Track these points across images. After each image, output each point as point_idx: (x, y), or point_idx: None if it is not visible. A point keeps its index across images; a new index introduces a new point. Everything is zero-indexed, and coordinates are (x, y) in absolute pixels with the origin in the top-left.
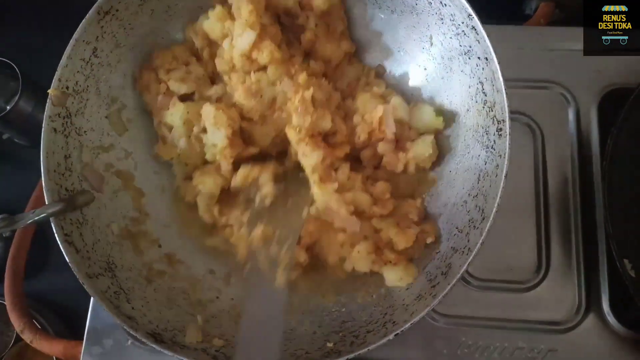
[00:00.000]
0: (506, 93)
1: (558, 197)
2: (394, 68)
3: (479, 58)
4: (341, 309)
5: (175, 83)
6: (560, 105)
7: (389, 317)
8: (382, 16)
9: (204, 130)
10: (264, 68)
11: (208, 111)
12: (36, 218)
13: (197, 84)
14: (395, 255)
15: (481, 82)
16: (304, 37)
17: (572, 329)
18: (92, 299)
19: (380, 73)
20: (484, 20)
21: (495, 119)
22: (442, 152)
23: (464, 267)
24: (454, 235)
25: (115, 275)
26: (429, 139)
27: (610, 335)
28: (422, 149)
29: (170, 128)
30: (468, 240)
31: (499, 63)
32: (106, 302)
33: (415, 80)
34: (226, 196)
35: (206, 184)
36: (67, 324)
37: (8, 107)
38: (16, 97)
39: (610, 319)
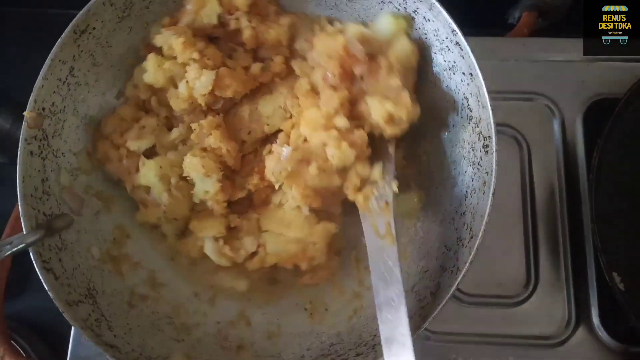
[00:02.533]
0: (492, 109)
1: (545, 210)
2: None
3: (463, 74)
4: (329, 330)
5: (134, 142)
6: (545, 117)
7: (378, 340)
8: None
9: (183, 179)
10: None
11: (194, 162)
12: (14, 249)
13: (155, 135)
14: None
15: (466, 98)
16: (245, 38)
17: (563, 343)
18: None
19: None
20: (467, 31)
21: (481, 135)
22: (428, 168)
23: (454, 287)
24: (443, 253)
25: (96, 301)
26: (403, 38)
27: (601, 348)
28: (401, 47)
29: (147, 189)
30: (457, 259)
31: (483, 77)
32: (87, 330)
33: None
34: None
35: (210, 229)
36: (50, 345)
37: None
38: None
39: (601, 332)
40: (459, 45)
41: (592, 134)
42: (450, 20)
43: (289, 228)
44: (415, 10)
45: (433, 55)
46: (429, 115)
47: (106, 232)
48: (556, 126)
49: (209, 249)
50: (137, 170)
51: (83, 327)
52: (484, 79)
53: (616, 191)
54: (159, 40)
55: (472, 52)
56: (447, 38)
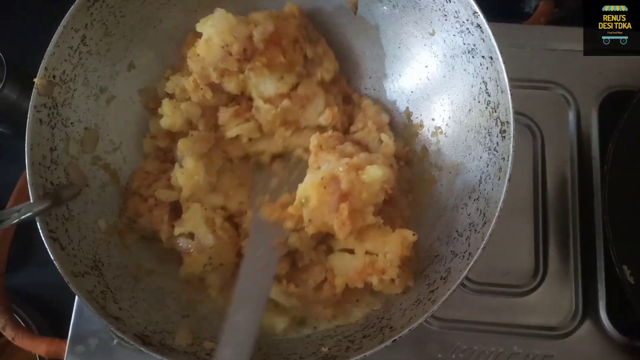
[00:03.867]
0: (511, 94)
1: (557, 200)
2: (394, 65)
3: (483, 57)
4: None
5: (163, 192)
6: (560, 107)
7: (386, 322)
8: (385, 9)
9: (227, 220)
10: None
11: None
12: (22, 217)
13: None
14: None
15: (485, 82)
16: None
17: (569, 335)
18: (77, 297)
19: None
20: (485, 17)
21: (498, 120)
22: (441, 151)
23: (465, 273)
24: (454, 239)
25: (102, 273)
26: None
27: (607, 341)
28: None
29: (191, 235)
30: (469, 245)
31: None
32: (92, 302)
33: (416, 78)
34: None
35: None
36: (51, 320)
37: None
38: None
39: (607, 325)
40: (480, 27)
41: (607, 126)
42: (472, 2)
43: (360, 241)
44: None
45: (453, 37)
46: (446, 100)
47: (113, 205)
48: (571, 117)
49: (275, 293)
50: (170, 219)
51: (88, 298)
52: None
53: (630, 184)
54: (169, 86)
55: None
56: (467, 20)
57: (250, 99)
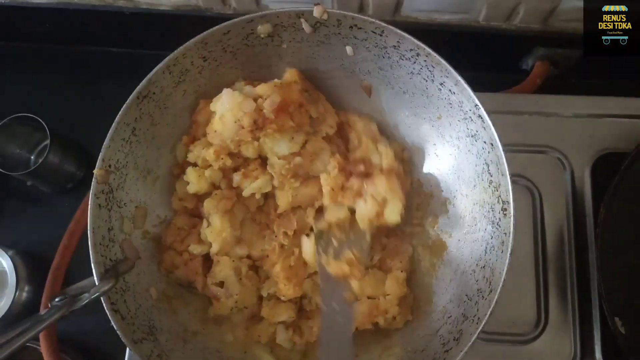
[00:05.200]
0: (510, 178)
1: (555, 256)
2: (404, 140)
3: (484, 142)
4: None
5: (196, 247)
6: (557, 169)
7: None
8: (395, 93)
9: (252, 269)
10: None
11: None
12: (93, 297)
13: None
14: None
15: (487, 164)
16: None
17: None
18: (127, 349)
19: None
20: (485, 86)
21: (500, 199)
22: (450, 220)
23: (475, 336)
24: (464, 302)
25: (156, 338)
26: None
27: None
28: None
29: (221, 284)
30: (477, 310)
31: (500, 131)
32: None
33: (425, 154)
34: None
35: (283, 314)
36: None
37: (39, 160)
38: (45, 152)
39: None
40: (481, 118)
41: (600, 185)
42: (474, 96)
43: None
44: (442, 83)
45: (457, 122)
46: (453, 175)
47: (161, 273)
48: (567, 177)
49: (281, 337)
50: (203, 270)
51: None
52: (500, 133)
53: (619, 244)
54: (191, 157)
55: (490, 116)
56: (470, 110)
57: (265, 159)
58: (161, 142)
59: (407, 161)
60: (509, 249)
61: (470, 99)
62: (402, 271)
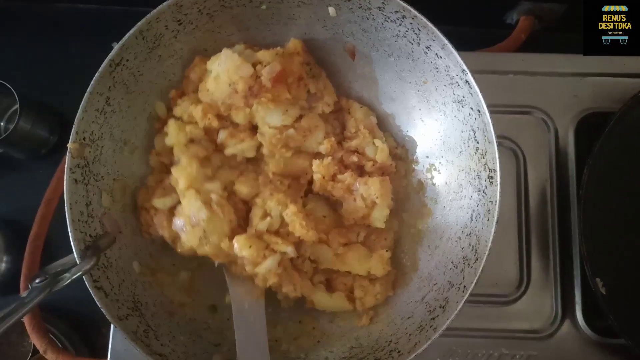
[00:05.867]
0: (497, 143)
1: (538, 217)
2: (390, 106)
3: (471, 108)
4: (349, 334)
5: (160, 200)
6: (541, 130)
7: (394, 346)
8: (380, 56)
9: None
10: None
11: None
12: (74, 276)
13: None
14: None
15: (473, 130)
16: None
17: (550, 337)
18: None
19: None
20: (470, 45)
21: (486, 166)
22: (436, 187)
23: (461, 304)
24: (450, 269)
25: (142, 313)
26: None
27: (583, 341)
28: None
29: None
30: (463, 278)
31: (484, 91)
32: (138, 342)
33: (410, 119)
34: None
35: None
36: (85, 337)
37: (10, 127)
38: (15, 117)
39: (583, 326)
40: (468, 83)
41: (583, 146)
42: (461, 61)
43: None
44: (428, 47)
45: (443, 87)
46: (439, 141)
47: (144, 246)
48: (550, 138)
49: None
50: (169, 223)
51: (134, 339)
52: (484, 95)
53: (602, 206)
54: (178, 111)
55: (474, 76)
56: (457, 75)
57: (255, 127)
58: (138, 111)
59: (403, 160)
60: (495, 218)
61: (457, 63)
62: (387, 250)
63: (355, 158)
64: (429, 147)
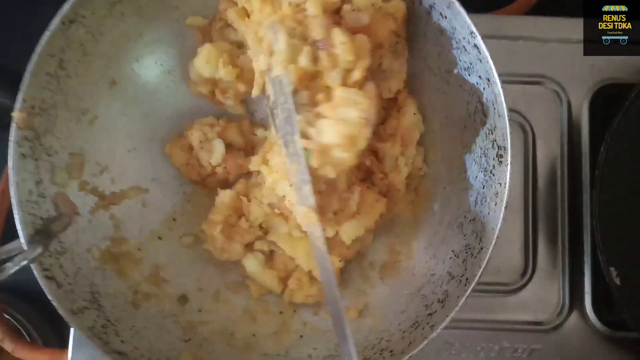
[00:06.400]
0: (508, 118)
1: (547, 198)
2: None
3: (479, 77)
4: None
5: None
6: (552, 102)
7: (385, 344)
8: None
9: None
10: None
11: None
12: (19, 265)
13: None
14: None
15: (481, 102)
16: None
17: (556, 329)
18: None
19: None
20: (476, 6)
21: (495, 144)
22: (437, 167)
23: (462, 299)
24: (450, 258)
25: (100, 305)
26: None
27: (592, 333)
28: None
29: None
30: (465, 269)
31: (492, 57)
32: (94, 339)
33: (410, 89)
34: None
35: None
36: (56, 325)
37: None
38: None
39: (592, 318)
40: (477, 48)
41: (599, 122)
42: (470, 22)
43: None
44: (432, 6)
45: (447, 52)
46: (440, 114)
47: (104, 229)
48: (562, 112)
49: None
50: None
51: (90, 336)
52: (493, 60)
53: (619, 189)
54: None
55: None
56: (464, 39)
57: None
58: (98, 75)
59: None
60: (504, 202)
61: (465, 25)
62: (340, 260)
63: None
64: (429, 120)
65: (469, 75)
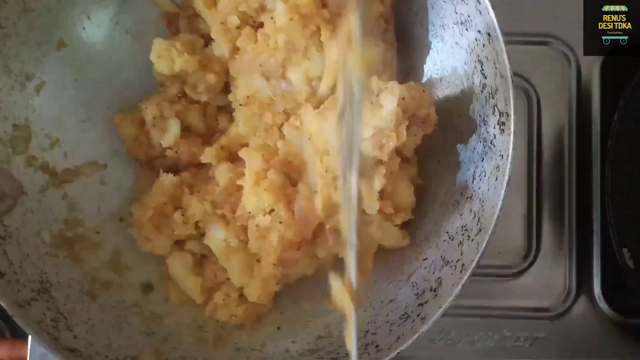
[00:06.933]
0: (512, 81)
1: (552, 173)
2: None
3: (479, 32)
4: (316, 318)
5: None
6: (560, 65)
7: (371, 337)
8: None
9: None
10: None
11: None
12: None
13: None
14: None
15: (480, 61)
16: None
17: (561, 316)
18: None
19: None
20: None
21: (496, 109)
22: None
23: (458, 288)
24: (444, 241)
25: (51, 296)
26: None
27: (601, 320)
28: None
29: None
30: (461, 253)
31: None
32: (43, 334)
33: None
34: None
35: None
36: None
37: None
38: None
39: (601, 304)
40: None
41: (611, 87)
42: None
43: None
44: None
45: (442, 4)
46: (434, 75)
47: (57, 210)
48: (571, 76)
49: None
50: None
51: (38, 331)
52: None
53: (635, 161)
54: None
55: None
56: None
57: None
58: (43, 35)
59: None
60: (506, 177)
61: None
62: (277, 283)
63: None
64: (422, 83)
65: (467, 30)
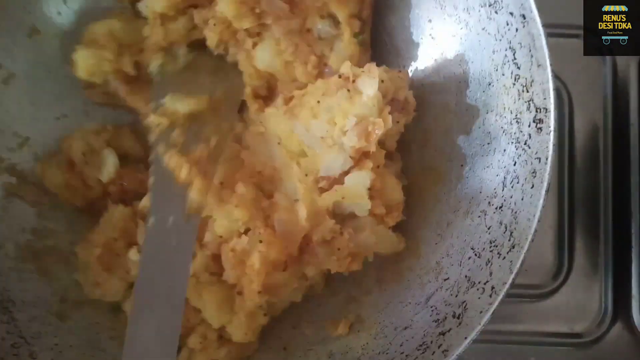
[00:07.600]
0: (552, 70)
1: (586, 181)
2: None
3: (511, 14)
4: (321, 347)
5: None
6: (594, 60)
7: None
8: None
9: None
10: None
11: None
12: None
13: None
14: None
15: (512, 49)
16: None
17: (596, 342)
18: None
19: None
20: None
21: (532, 104)
22: (449, 135)
23: (487, 316)
24: (469, 258)
25: (13, 317)
26: None
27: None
28: None
29: None
30: (490, 274)
31: None
32: None
33: (417, 36)
34: None
35: None
36: None
37: None
38: None
39: None
40: None
41: None
42: None
43: None
44: None
45: None
46: (457, 67)
47: (25, 218)
48: (606, 71)
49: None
50: None
51: None
52: None
53: None
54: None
55: None
56: None
57: None
58: (13, 22)
59: None
60: (545, 184)
61: None
62: (264, 314)
63: None
64: (442, 75)
65: (496, 12)
